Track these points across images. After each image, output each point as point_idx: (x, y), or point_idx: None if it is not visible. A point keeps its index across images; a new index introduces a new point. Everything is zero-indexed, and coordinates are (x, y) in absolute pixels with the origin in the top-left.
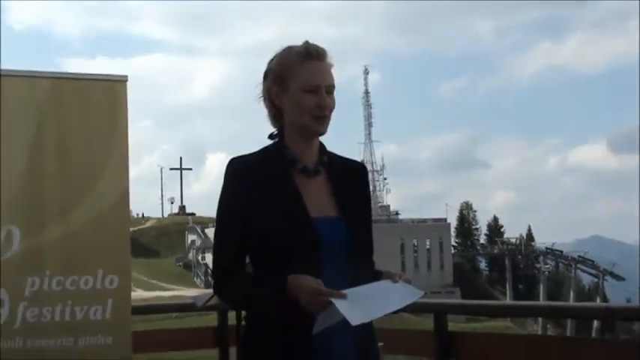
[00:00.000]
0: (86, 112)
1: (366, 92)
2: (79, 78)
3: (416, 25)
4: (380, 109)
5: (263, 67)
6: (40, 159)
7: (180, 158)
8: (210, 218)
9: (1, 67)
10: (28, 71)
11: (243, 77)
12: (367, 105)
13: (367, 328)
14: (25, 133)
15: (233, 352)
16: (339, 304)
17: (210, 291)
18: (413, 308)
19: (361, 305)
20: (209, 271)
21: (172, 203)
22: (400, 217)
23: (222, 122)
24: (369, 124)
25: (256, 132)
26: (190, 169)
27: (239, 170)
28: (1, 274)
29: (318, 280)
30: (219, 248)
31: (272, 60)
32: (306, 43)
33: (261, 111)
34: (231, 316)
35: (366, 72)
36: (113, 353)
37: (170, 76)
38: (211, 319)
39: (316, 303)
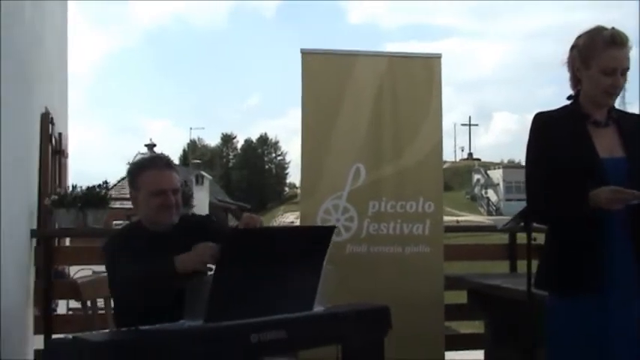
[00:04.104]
0: (411, 82)
1: None
2: (406, 56)
3: None
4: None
5: (533, 49)
6: (379, 116)
7: (469, 117)
8: (492, 162)
9: (348, 50)
10: (370, 52)
11: (518, 56)
12: None
13: None
14: (370, 97)
15: (520, 264)
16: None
17: (508, 218)
18: None
19: None
20: (490, 202)
21: (462, 150)
22: None
23: (505, 89)
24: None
25: (530, 96)
26: (477, 124)
27: (543, 122)
28: (352, 198)
29: (615, 187)
30: (531, 184)
31: (580, 37)
32: (613, 29)
33: (533, 79)
34: (520, 236)
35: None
36: (430, 259)
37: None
38: (496, 239)
39: (614, 200)
